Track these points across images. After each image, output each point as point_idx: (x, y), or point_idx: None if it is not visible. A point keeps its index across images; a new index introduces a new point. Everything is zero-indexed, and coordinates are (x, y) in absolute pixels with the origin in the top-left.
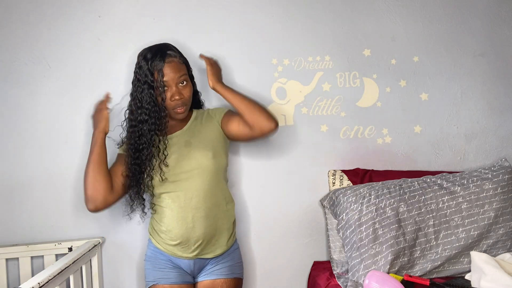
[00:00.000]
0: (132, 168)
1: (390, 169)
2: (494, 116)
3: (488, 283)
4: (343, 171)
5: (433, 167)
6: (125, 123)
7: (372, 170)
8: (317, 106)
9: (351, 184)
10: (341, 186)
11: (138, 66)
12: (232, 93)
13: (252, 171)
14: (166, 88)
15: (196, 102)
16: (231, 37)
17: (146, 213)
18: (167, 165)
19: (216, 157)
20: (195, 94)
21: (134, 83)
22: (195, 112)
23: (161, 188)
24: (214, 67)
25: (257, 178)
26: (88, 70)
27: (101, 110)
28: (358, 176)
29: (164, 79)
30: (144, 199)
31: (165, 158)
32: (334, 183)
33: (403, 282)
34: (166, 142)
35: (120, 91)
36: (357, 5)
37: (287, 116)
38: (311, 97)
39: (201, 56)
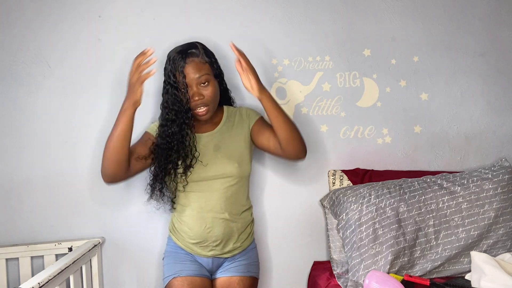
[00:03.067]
0: (161, 165)
1: (390, 169)
2: (494, 116)
3: (488, 283)
4: (343, 171)
5: (433, 167)
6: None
7: (372, 170)
8: (317, 106)
9: (351, 184)
10: (341, 186)
11: (164, 67)
12: (276, 110)
13: (252, 171)
14: (188, 88)
15: (226, 99)
16: (231, 37)
17: (163, 200)
18: (193, 166)
19: (242, 165)
20: (225, 92)
21: (163, 83)
22: (226, 111)
23: (185, 187)
24: (251, 66)
25: (257, 178)
26: (88, 70)
27: (139, 78)
28: (358, 176)
29: (186, 80)
30: (164, 194)
31: (191, 160)
32: (334, 183)
33: (403, 282)
34: (195, 142)
35: (119, 91)
36: (357, 5)
37: None
38: (311, 97)
39: (235, 49)
